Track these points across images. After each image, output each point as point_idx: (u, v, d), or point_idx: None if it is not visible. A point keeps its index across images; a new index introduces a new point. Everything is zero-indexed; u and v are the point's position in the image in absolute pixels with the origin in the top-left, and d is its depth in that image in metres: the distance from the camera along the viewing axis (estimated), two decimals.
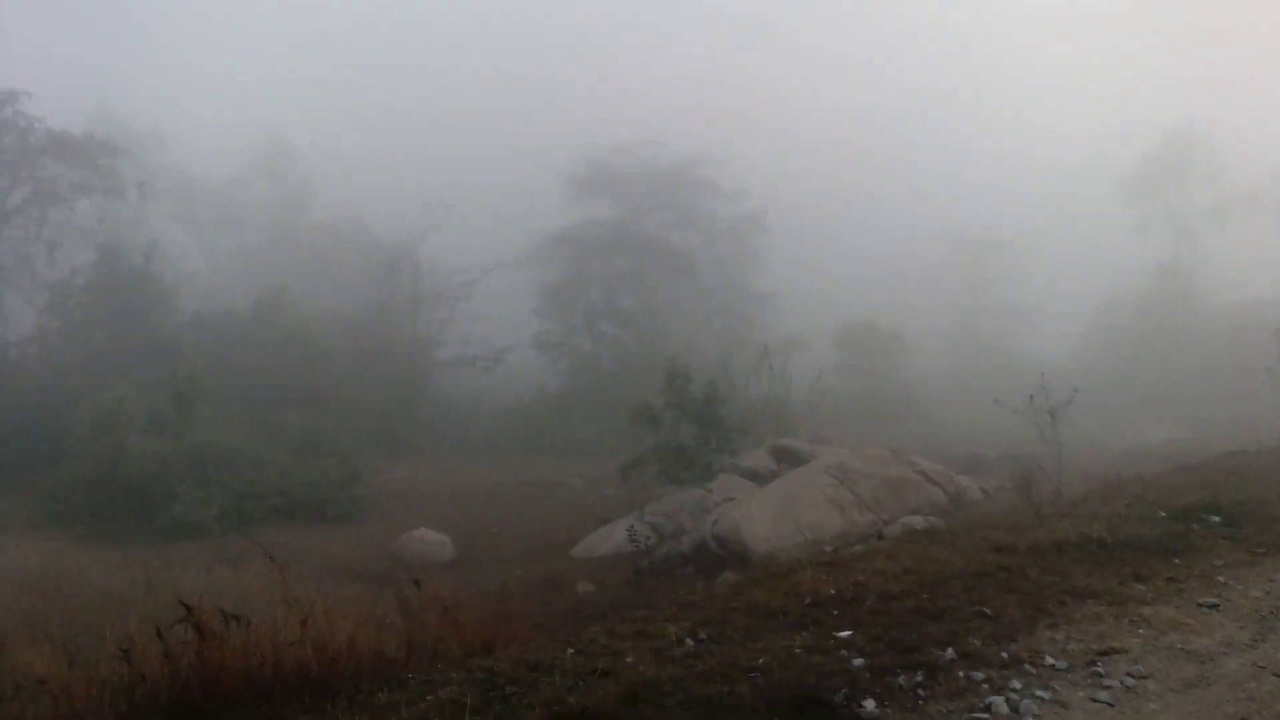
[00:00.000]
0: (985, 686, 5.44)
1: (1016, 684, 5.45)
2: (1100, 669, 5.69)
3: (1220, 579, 7.64)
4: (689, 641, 6.53)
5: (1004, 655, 5.87)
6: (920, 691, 5.39)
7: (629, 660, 6.13)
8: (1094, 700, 5.31)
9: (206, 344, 30.57)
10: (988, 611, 6.71)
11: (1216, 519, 9.73)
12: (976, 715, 5.12)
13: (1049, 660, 5.82)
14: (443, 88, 61.80)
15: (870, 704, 5.24)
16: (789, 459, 21.26)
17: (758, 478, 20.76)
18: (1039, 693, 5.36)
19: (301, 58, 63.15)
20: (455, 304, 41.20)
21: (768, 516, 15.62)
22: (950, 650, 5.92)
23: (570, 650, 6.54)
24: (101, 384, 26.91)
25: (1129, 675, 5.60)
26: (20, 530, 22.19)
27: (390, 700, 5.80)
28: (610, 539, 18.49)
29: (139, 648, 6.21)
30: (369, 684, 6.08)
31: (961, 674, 5.59)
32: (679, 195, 46.12)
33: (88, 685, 6.35)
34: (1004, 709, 5.15)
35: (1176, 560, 8.22)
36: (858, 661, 5.82)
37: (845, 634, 6.39)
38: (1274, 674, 5.68)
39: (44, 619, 12.98)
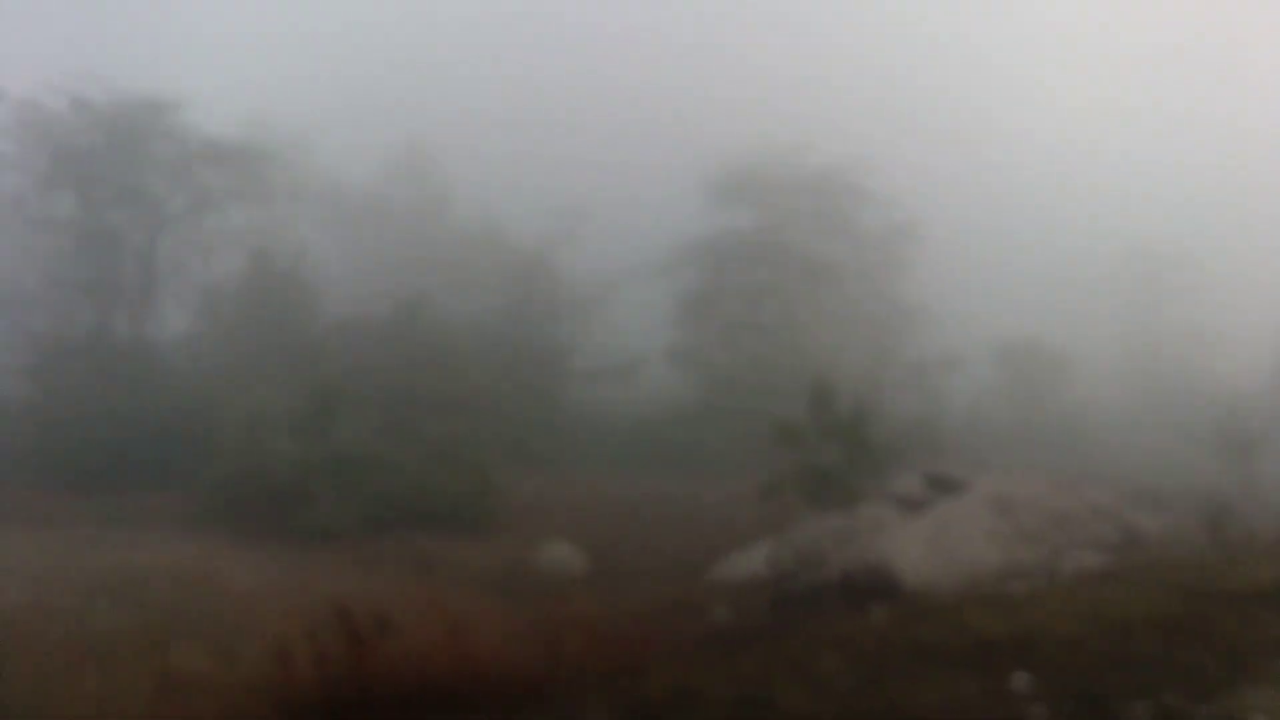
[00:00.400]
0: None
1: None
2: None
3: None
4: (847, 677, 6.21)
5: (1206, 713, 5.25)
6: None
7: (784, 694, 5.83)
8: None
9: (347, 348, 31.04)
10: (1182, 664, 6.08)
11: None
12: None
13: None
14: (581, 93, 61.99)
15: None
16: (943, 486, 19.69)
17: (908, 505, 19.27)
18: None
19: (441, 66, 64.42)
20: (590, 313, 40.82)
21: (920, 547, 14.45)
22: (1143, 704, 5.34)
23: (721, 679, 6.30)
24: (248, 386, 27.62)
25: None
26: (170, 527, 23.00)
27: None
28: (748, 563, 17.71)
29: (292, 650, 6.27)
30: (514, 700, 5.99)
31: None
32: (824, 203, 44.48)
33: (243, 685, 6.67)
34: None
35: None
36: (1037, 710, 5.29)
37: (1021, 680, 5.83)
38: None
39: (194, 616, 13.42)
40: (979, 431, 28.84)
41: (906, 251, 44.49)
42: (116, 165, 33.93)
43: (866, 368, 37.29)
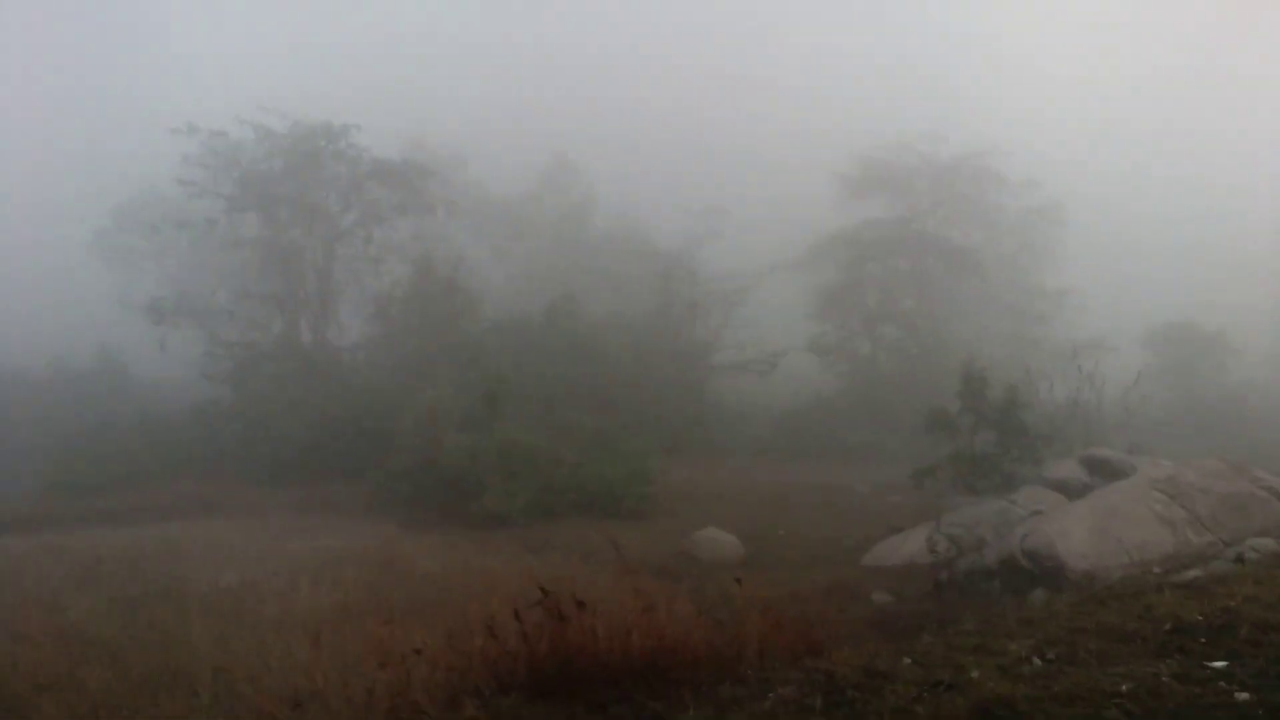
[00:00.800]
0: None
1: None
2: None
3: None
4: (1036, 660, 6.17)
5: None
6: None
7: (974, 675, 5.87)
8: None
9: (505, 349, 32.82)
10: None
11: None
12: None
13: None
14: (716, 91, 62.92)
15: None
16: (1103, 471, 19.48)
17: (1067, 490, 19.20)
18: None
19: (580, 82, 66.43)
20: (730, 309, 41.70)
21: (1085, 532, 14.27)
22: None
23: (907, 660, 6.40)
24: (418, 385, 29.72)
25: None
26: (356, 514, 24.77)
27: (733, 694, 5.95)
28: (903, 548, 17.78)
29: (499, 626, 6.65)
30: (708, 676, 6.22)
31: None
32: (962, 190, 44.07)
33: (454, 656, 6.86)
34: None
35: None
36: (1242, 696, 5.22)
37: (1220, 664, 5.76)
38: None
39: (388, 593, 14.36)
40: (1135, 415, 28.07)
41: (1047, 236, 43.56)
42: (295, 186, 37.07)
43: (1012, 353, 36.85)
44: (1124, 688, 5.45)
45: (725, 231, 43.04)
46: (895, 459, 26.64)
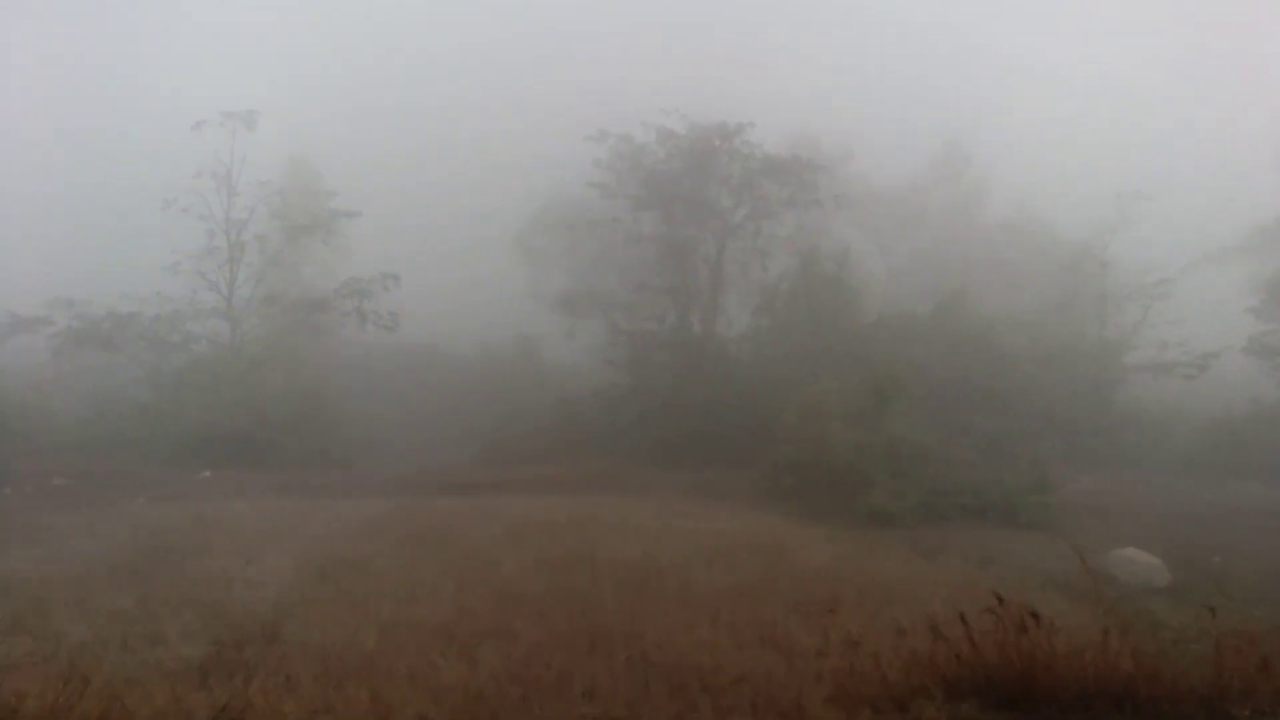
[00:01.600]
0: None
1: None
2: None
3: None
4: None
5: None
6: None
7: None
8: None
9: (892, 344, 31.96)
10: None
11: None
12: None
13: None
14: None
15: None
16: None
17: None
18: None
19: (963, 65, 62.93)
20: (1150, 304, 37.26)
21: None
22: None
23: None
24: (802, 377, 29.80)
25: None
26: (740, 501, 25.45)
27: None
28: None
29: (943, 628, 6.42)
30: (1185, 712, 5.67)
31: None
32: None
33: (903, 655, 6.69)
34: None
35: None
36: None
37: None
38: None
39: (781, 581, 14.60)
40: None
41: None
42: (692, 184, 38.87)
43: None
44: None
45: (1146, 217, 38.43)
46: None
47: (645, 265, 40.83)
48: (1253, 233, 37.69)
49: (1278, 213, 37.11)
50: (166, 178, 36.19)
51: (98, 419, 32.85)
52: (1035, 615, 6.11)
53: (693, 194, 38.57)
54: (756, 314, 38.13)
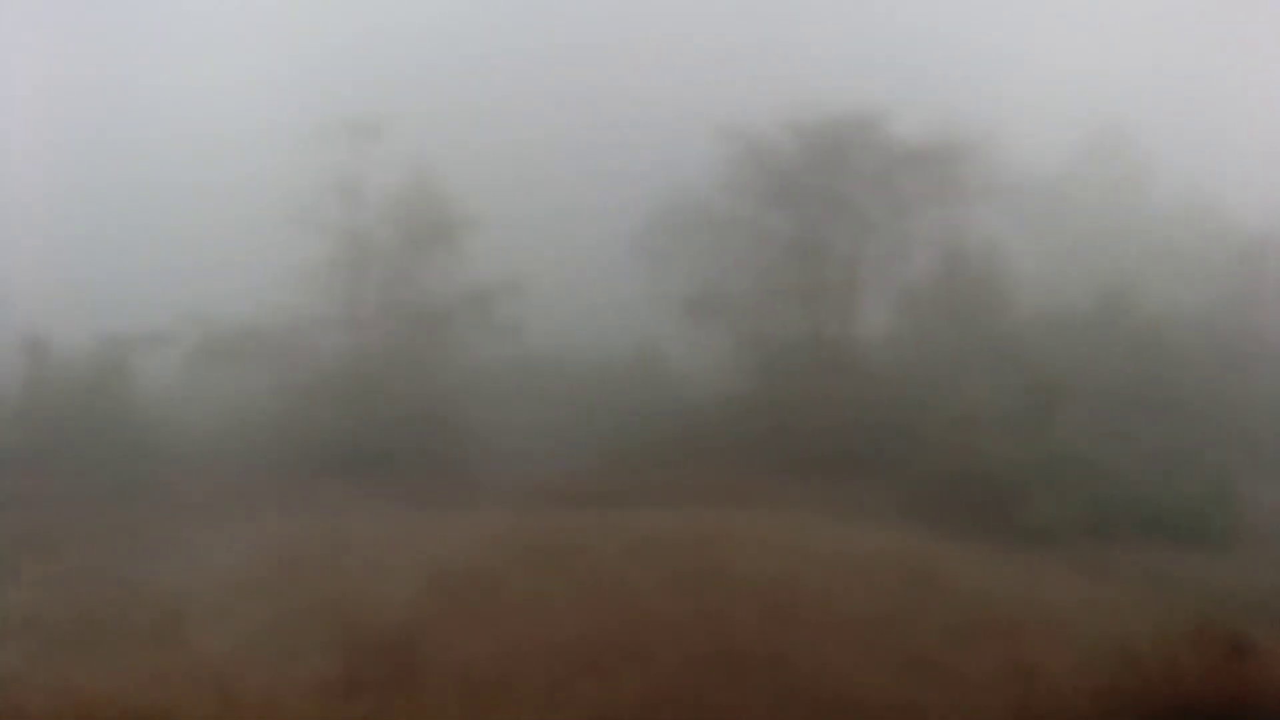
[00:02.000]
0: None
1: None
2: None
3: None
4: None
5: None
6: None
7: None
8: None
9: (1048, 345, 29.98)
10: None
11: None
12: None
13: None
14: None
15: None
16: None
17: None
18: None
19: (1125, 43, 58.66)
20: None
21: None
22: None
23: None
24: (949, 382, 28.18)
25: None
26: (882, 514, 24.22)
27: None
28: None
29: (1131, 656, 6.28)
30: None
31: None
32: None
33: (1088, 685, 6.58)
34: None
35: None
36: None
37: None
38: None
39: (933, 608, 13.83)
40: None
41: None
42: (824, 180, 37.39)
43: None
44: None
45: None
46: None
47: (775, 267, 39.66)
48: None
49: None
50: (285, 189, 36.94)
51: (228, 433, 33.93)
52: (1246, 643, 6.13)
53: (824, 190, 37.05)
54: (898, 316, 36.44)
